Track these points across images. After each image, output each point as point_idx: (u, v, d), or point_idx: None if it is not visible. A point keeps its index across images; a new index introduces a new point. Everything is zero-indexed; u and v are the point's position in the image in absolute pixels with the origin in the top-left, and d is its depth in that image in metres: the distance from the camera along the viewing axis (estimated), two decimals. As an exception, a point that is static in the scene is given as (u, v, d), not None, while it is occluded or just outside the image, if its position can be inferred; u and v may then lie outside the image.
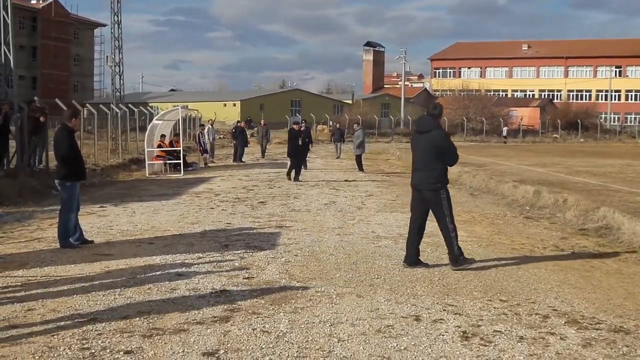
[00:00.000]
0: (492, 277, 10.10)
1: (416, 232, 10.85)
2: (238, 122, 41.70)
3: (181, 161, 28.87)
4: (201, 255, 11.27)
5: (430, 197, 10.67)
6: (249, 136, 40.09)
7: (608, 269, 10.91)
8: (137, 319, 7.68)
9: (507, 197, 20.54)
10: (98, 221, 15.03)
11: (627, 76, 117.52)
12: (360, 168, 30.33)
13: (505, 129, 78.25)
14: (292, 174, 25.14)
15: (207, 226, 14.48)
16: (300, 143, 25.54)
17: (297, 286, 9.31)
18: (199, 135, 35.08)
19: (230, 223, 14.99)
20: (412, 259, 10.76)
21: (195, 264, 10.65)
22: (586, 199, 17.74)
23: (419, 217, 10.88)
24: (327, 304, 8.40)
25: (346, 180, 25.70)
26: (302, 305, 8.30)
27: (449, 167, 10.82)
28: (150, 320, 7.61)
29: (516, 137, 78.91)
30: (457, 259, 10.57)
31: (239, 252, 11.64)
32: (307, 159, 29.80)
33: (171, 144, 30.54)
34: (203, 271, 10.12)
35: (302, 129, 27.23)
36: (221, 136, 56.13)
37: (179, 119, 33.15)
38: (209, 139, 34.91)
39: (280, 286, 9.30)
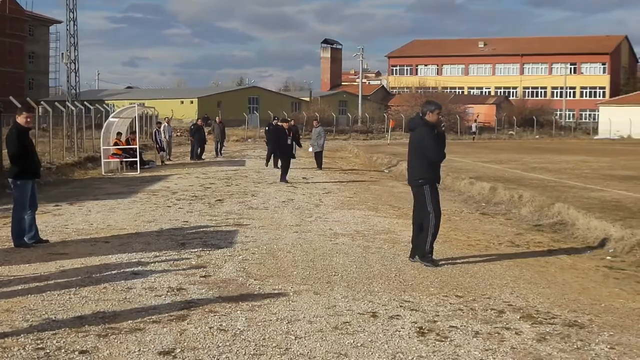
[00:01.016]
0: (448, 273, 10.17)
1: (418, 231, 10.91)
2: (198, 119, 41.32)
3: (138, 159, 28.68)
4: (157, 254, 11.21)
5: (415, 193, 10.87)
6: (206, 134, 39.69)
7: (563, 264, 11.04)
8: (93, 318, 7.62)
9: (463, 194, 20.71)
10: (53, 220, 14.87)
11: (582, 73, 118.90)
12: (319, 165, 30.33)
13: (474, 125, 78.65)
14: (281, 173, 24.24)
15: (163, 224, 14.40)
16: (289, 142, 24.53)
17: (254, 284, 9.31)
18: (155, 133, 34.89)
19: (187, 221, 14.92)
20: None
21: (152, 262, 10.58)
22: (541, 195, 17.93)
23: (418, 216, 10.94)
24: (284, 302, 8.40)
25: (304, 178, 25.71)
26: (259, 303, 8.29)
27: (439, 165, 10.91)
28: (106, 320, 7.55)
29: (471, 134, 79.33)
30: (425, 255, 10.67)
31: (196, 250, 11.60)
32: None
33: (127, 142, 30.33)
34: (159, 270, 10.07)
35: (285, 126, 25.83)
36: (178, 134, 55.86)
37: (135, 117, 32.92)
38: (165, 136, 34.76)
39: (237, 284, 9.28)
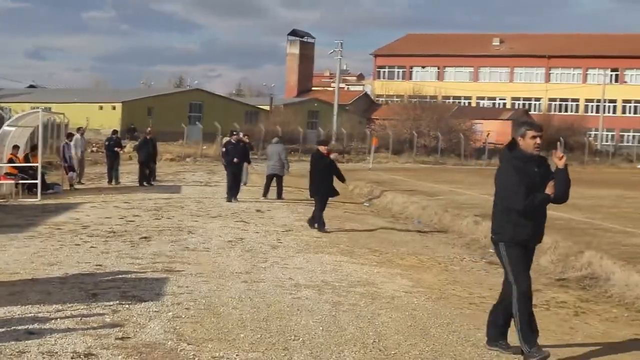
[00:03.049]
0: (443, 339, 10.19)
1: (497, 304, 10.03)
2: (114, 131, 40.62)
3: (39, 181, 28.51)
4: (60, 308, 11.14)
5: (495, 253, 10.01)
6: (133, 150, 38.53)
7: (592, 332, 11.10)
8: (-29, 391, 7.57)
9: (465, 236, 20.80)
10: None
11: (626, 82, 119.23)
12: (280, 194, 30.22)
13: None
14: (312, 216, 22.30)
15: (69, 269, 14.31)
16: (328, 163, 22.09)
17: (188, 350, 9.29)
18: (64, 147, 34.66)
19: (101, 265, 14.86)
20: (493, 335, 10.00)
21: (52, 318, 10.52)
22: (567, 239, 18.00)
23: (503, 284, 9.97)
24: (226, 374, 8.39)
25: (258, 211, 25.69)
26: (193, 375, 8.28)
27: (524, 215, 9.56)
28: (-12, 394, 7.51)
29: (479, 159, 79.55)
30: (527, 354, 9.31)
31: (112, 303, 11.54)
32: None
33: (26, 159, 30.17)
34: (62, 328, 10.01)
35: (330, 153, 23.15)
36: (94, 149, 55.65)
37: (38, 126, 32.74)
38: (76, 152, 34.53)
39: (165, 349, 9.26)
